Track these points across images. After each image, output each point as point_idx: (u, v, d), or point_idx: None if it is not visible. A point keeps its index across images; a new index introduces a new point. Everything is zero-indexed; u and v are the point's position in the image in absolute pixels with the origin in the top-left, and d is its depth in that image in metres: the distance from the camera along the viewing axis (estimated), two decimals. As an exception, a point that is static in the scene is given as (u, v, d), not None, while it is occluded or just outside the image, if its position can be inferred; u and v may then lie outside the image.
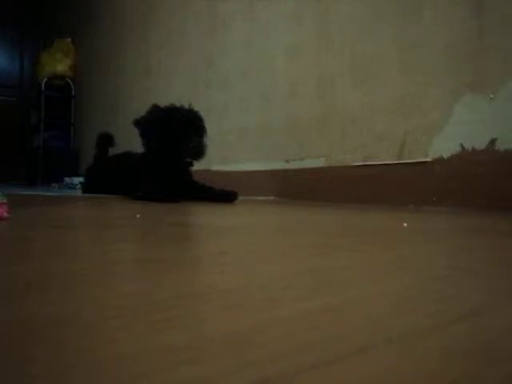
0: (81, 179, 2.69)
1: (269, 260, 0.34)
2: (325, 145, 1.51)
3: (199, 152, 1.27)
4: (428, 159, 1.18)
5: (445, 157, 1.15)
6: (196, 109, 1.32)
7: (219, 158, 1.96)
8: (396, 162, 1.27)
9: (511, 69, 1.02)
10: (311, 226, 0.65)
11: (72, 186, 2.60)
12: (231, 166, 1.93)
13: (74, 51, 3.67)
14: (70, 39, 3.68)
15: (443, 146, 1.15)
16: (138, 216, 0.75)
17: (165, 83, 2.44)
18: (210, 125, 1.38)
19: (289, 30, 1.68)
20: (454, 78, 1.13)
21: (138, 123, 1.32)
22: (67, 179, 2.79)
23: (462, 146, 1.11)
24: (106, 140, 1.79)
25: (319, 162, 1.52)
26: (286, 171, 1.65)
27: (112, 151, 1.75)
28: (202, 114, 1.35)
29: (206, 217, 0.84)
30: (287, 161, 1.66)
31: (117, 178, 1.50)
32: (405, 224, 0.64)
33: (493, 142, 1.05)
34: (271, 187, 1.69)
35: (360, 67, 1.38)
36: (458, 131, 1.12)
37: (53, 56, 3.59)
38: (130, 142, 2.76)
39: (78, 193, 1.98)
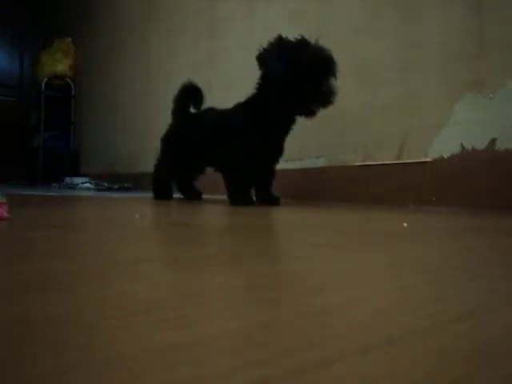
0: (81, 179, 2.69)
1: (268, 260, 0.34)
2: (325, 145, 1.51)
3: (328, 97, 1.05)
4: (428, 159, 1.18)
5: (445, 157, 1.14)
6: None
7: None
8: (396, 162, 1.27)
9: (511, 69, 1.02)
10: (311, 226, 0.65)
11: (72, 186, 2.60)
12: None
13: (74, 51, 3.67)
14: (70, 39, 3.68)
15: (443, 146, 1.15)
16: (137, 216, 0.75)
17: (165, 83, 2.44)
18: (210, 125, 1.37)
19: (289, 29, 1.68)
20: (454, 78, 1.13)
21: (260, 58, 1.14)
22: (67, 179, 2.79)
23: (462, 145, 1.11)
24: (188, 93, 1.35)
25: (319, 162, 1.52)
26: (286, 171, 1.65)
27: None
28: (202, 113, 1.35)
29: (205, 216, 0.84)
30: (287, 161, 1.65)
31: (198, 144, 1.25)
32: (405, 224, 0.64)
33: (493, 141, 1.05)
34: (271, 187, 1.69)
35: (360, 67, 1.38)
36: (457, 131, 1.12)
37: (53, 56, 3.58)
38: (130, 141, 2.77)
39: (79, 193, 1.98)
